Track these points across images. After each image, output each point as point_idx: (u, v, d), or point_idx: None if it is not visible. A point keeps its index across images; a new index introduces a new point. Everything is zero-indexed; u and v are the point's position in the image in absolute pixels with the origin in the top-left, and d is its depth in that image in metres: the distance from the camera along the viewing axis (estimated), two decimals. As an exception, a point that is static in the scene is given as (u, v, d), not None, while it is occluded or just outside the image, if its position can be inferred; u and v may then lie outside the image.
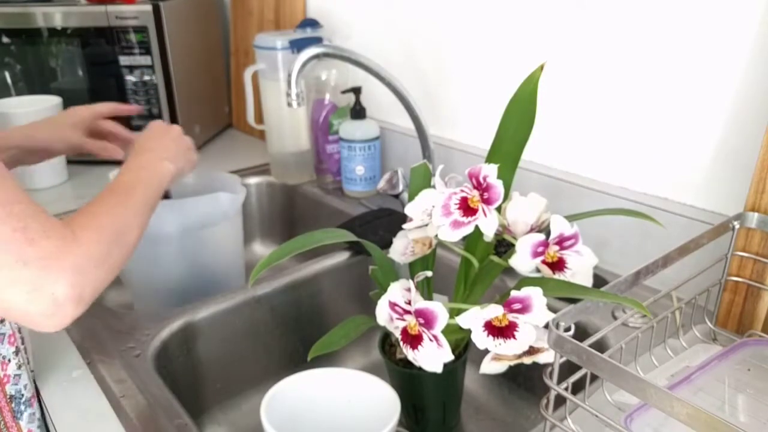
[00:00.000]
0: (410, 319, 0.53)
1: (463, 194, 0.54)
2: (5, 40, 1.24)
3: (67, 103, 1.16)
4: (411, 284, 0.54)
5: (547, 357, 0.52)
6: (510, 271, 0.56)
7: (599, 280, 0.73)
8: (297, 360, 0.86)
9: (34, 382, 0.63)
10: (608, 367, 0.41)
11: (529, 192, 0.58)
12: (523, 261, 0.53)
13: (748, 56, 0.65)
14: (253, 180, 1.20)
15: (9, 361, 0.57)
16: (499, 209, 0.55)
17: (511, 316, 0.51)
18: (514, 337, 0.51)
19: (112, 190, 0.60)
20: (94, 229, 0.52)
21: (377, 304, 0.56)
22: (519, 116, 0.58)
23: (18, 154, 0.80)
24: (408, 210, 0.61)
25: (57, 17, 1.21)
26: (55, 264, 0.46)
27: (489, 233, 0.53)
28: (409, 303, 0.53)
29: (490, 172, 0.53)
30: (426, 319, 0.51)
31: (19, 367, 0.59)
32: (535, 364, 0.53)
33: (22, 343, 0.60)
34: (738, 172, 0.68)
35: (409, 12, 1.03)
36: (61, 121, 0.83)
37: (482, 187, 0.53)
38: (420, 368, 0.53)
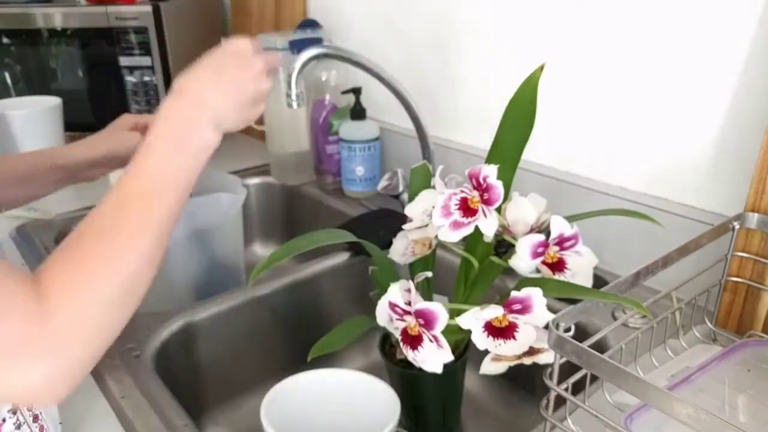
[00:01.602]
0: (410, 320, 0.53)
1: (463, 195, 0.54)
2: (5, 40, 1.24)
3: (67, 104, 1.17)
4: (411, 285, 0.54)
5: (547, 357, 0.52)
6: (510, 271, 0.56)
7: (599, 281, 0.73)
8: (297, 360, 0.86)
9: None
10: (608, 367, 0.41)
11: (529, 192, 0.58)
12: (523, 261, 0.53)
13: (747, 56, 0.65)
14: (253, 180, 1.20)
15: (4, 420, 0.47)
16: (499, 210, 0.55)
17: (511, 317, 0.51)
18: (514, 337, 0.51)
19: (120, 209, 0.44)
20: (78, 299, 0.40)
21: (377, 304, 0.56)
22: (519, 116, 0.58)
23: (76, 171, 0.79)
24: (408, 210, 0.61)
25: (57, 18, 1.21)
26: (20, 352, 0.37)
27: (489, 234, 0.53)
28: (409, 303, 0.53)
29: (490, 172, 0.53)
30: (426, 319, 0.51)
31: (18, 427, 0.48)
32: (535, 364, 0.53)
33: None
34: (738, 172, 0.68)
35: (410, 13, 1.03)
36: (117, 128, 0.82)
37: (482, 188, 0.53)
38: (420, 369, 0.53)
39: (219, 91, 0.54)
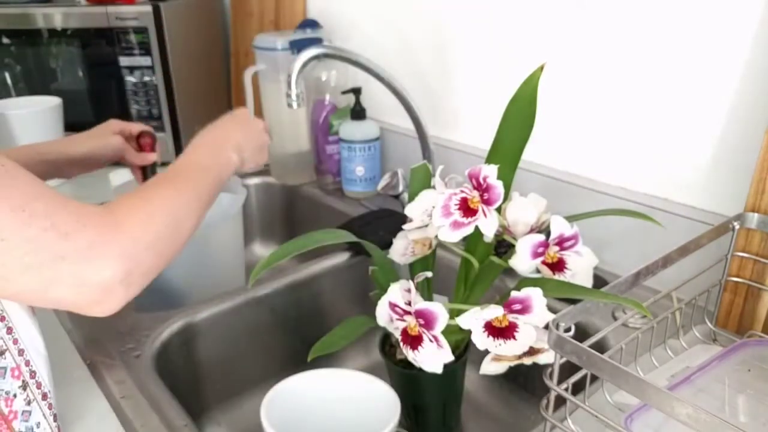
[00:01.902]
0: (410, 320, 0.53)
1: (463, 195, 0.54)
2: (5, 40, 1.24)
3: (67, 104, 1.17)
4: (411, 285, 0.54)
5: (547, 358, 0.52)
6: (510, 271, 0.56)
7: (599, 281, 0.73)
8: (297, 360, 0.86)
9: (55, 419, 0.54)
10: (608, 367, 0.41)
11: (529, 192, 0.58)
12: (523, 261, 0.53)
13: (747, 56, 0.65)
14: (253, 181, 1.20)
15: (15, 396, 0.50)
16: (499, 210, 0.55)
17: (511, 317, 0.51)
18: (514, 337, 0.51)
19: (169, 175, 0.59)
20: (142, 217, 0.50)
21: (377, 304, 0.56)
22: (519, 116, 0.58)
23: (55, 166, 0.80)
24: (408, 210, 0.61)
25: (57, 18, 1.21)
26: (96, 252, 0.45)
27: (489, 234, 0.53)
28: (409, 304, 0.53)
29: (490, 172, 0.53)
30: (426, 319, 0.51)
31: (29, 403, 0.51)
32: (535, 364, 0.53)
33: (32, 377, 0.52)
34: (738, 172, 0.68)
35: (410, 13, 1.03)
36: (102, 130, 0.85)
37: (482, 188, 0.53)
38: (420, 369, 0.53)
39: (236, 132, 0.71)
